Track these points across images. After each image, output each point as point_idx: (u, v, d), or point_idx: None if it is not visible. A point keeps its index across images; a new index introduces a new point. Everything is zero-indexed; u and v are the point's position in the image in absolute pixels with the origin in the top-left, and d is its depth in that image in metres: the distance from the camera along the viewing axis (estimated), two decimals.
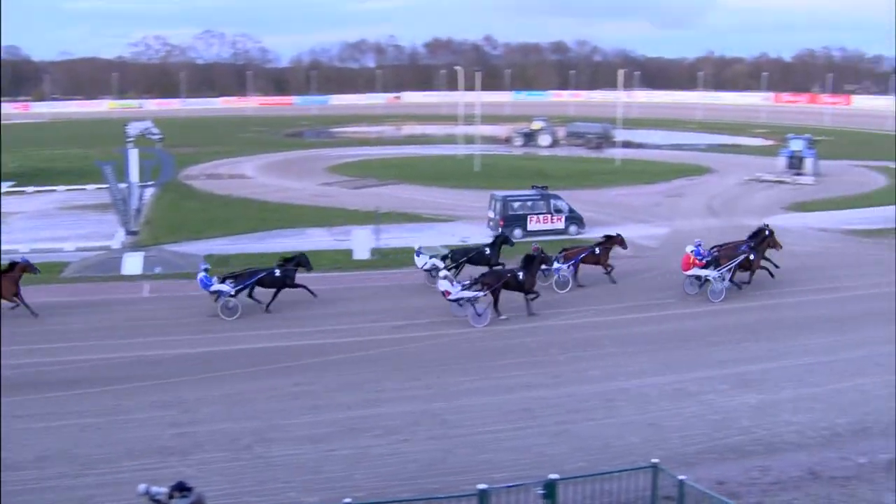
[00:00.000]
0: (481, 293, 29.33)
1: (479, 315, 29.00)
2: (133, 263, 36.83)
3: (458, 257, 34.45)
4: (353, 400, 22.41)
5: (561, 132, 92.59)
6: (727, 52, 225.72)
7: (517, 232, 42.20)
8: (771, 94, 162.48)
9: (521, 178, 63.39)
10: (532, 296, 30.48)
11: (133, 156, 38.75)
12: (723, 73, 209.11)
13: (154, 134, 40.71)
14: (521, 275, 30.16)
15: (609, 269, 34.85)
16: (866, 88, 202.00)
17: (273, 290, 31.15)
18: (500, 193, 44.97)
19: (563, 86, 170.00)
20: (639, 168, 69.99)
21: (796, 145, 67.81)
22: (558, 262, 33.66)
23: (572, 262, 34.19)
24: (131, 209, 39.32)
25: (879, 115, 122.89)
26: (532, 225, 43.53)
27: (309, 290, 31.34)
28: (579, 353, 26.21)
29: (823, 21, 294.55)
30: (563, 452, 19.35)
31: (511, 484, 15.43)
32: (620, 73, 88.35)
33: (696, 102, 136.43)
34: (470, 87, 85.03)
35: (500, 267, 33.02)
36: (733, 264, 32.95)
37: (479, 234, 42.91)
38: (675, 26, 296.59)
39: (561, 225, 44.05)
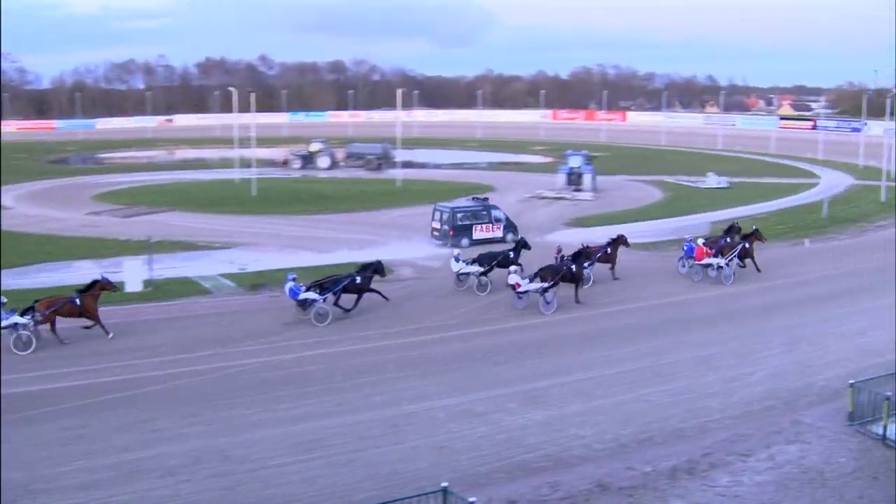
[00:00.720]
0: (546, 284, 33.85)
1: (549, 303, 33.78)
2: None
3: (489, 261, 37.90)
4: (129, 441, 21.66)
5: (340, 154, 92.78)
6: (505, 71, 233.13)
7: (464, 241, 46.84)
8: (549, 112, 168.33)
9: (301, 201, 63.42)
10: (583, 286, 36.02)
11: None
12: (502, 91, 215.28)
13: None
14: (573, 268, 35.09)
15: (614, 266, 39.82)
16: (640, 105, 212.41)
17: (355, 295, 34.04)
18: (448, 205, 49.59)
19: (342, 106, 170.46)
20: (420, 188, 70.93)
21: (574, 162, 70.65)
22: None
23: (590, 261, 38.10)
24: None
25: (653, 131, 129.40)
26: (477, 234, 47.84)
27: (383, 296, 34.54)
28: (364, 378, 26.27)
29: (597, 40, 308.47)
30: (352, 482, 19.35)
31: None
32: (399, 92, 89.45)
33: (477, 121, 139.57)
34: (245, 109, 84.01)
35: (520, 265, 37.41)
36: (735, 254, 39.70)
37: (264, 261, 42.38)
38: (454, 45, 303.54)
39: (500, 233, 48.42)
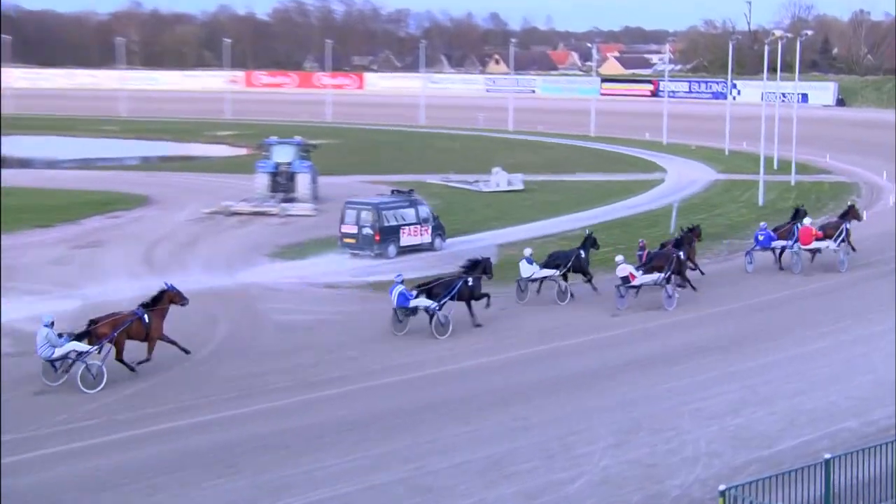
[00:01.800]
0: (657, 276, 44.81)
1: (670, 297, 45.00)
2: None
3: (561, 262, 46.49)
4: None
5: None
6: (165, 6, 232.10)
7: (391, 249, 54.10)
8: (240, 74, 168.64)
9: None
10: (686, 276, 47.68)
11: None
12: (159, 40, 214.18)
13: None
14: (681, 254, 46.38)
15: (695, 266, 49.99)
16: (385, 61, 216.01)
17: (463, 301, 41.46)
18: (368, 201, 56.87)
19: None
20: (24, 202, 69.74)
21: (282, 155, 70.75)
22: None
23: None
24: None
25: (356, 102, 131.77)
26: (405, 239, 55.14)
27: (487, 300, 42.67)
28: None
29: None
30: None
31: None
32: None
33: (119, 88, 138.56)
34: None
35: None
36: (842, 236, 51.79)
37: None
38: None
39: (428, 238, 56.47)
